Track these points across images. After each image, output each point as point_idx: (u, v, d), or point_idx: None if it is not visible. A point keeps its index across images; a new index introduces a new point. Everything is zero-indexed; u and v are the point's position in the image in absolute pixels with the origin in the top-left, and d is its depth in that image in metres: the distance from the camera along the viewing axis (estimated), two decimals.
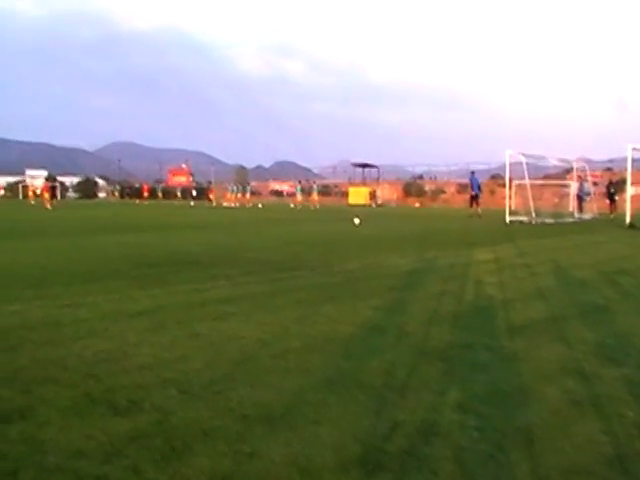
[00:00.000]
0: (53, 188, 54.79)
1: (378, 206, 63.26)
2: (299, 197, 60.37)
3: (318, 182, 72.11)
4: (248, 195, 69.24)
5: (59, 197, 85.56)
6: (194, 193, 78.85)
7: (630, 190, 30.02)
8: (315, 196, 60.00)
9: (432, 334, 6.61)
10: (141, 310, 7.66)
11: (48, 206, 50.41)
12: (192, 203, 67.20)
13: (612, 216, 35.11)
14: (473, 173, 38.94)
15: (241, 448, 3.64)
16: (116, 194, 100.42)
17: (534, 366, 5.43)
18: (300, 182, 65.96)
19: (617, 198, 37.51)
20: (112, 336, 6.34)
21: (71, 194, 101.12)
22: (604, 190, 39.41)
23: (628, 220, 27.55)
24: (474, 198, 37.57)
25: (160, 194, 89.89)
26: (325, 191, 74.42)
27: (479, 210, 36.56)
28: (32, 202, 62.08)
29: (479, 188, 37.92)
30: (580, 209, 36.42)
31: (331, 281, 10.38)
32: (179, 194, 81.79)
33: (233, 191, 70.12)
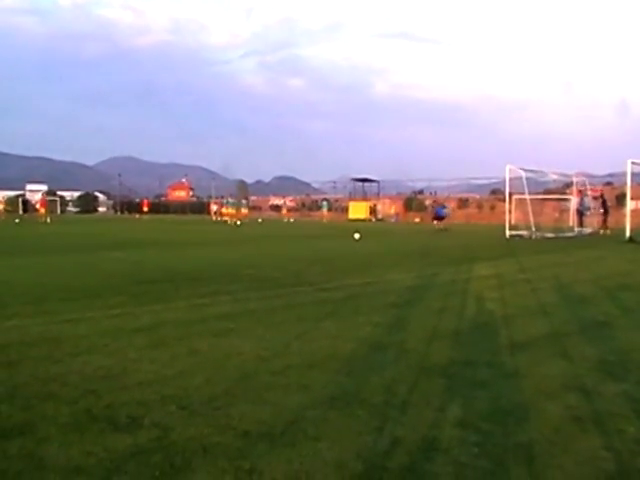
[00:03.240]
0: (25, 202, 54.87)
1: (378, 221, 63.33)
2: (325, 212, 63.04)
3: (319, 197, 72.93)
4: (246, 210, 69.27)
5: (59, 212, 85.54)
6: (214, 208, 74.18)
7: (630, 204, 30.07)
8: (325, 212, 62.43)
9: (433, 351, 6.60)
10: (141, 326, 7.66)
11: (48, 220, 50.65)
12: (214, 218, 66.56)
13: (602, 232, 34.88)
14: (435, 203, 46.54)
15: (241, 465, 3.63)
16: (117, 209, 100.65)
17: (535, 382, 5.42)
18: (326, 200, 69.08)
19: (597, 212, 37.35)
20: (112, 352, 6.34)
21: (71, 208, 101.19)
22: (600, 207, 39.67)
23: (628, 234, 27.58)
24: (440, 218, 41.48)
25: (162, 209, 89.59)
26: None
27: (442, 226, 39.67)
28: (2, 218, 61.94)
29: (445, 213, 43.13)
30: (580, 224, 36.40)
31: (332, 297, 10.37)
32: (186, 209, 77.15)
33: (227, 203, 70.27)
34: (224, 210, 67.39)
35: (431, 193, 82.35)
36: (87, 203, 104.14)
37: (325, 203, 67.85)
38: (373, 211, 67.63)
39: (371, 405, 4.73)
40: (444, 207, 44.86)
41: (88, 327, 7.57)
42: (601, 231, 34.95)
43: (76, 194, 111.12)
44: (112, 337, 7.03)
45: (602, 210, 36.85)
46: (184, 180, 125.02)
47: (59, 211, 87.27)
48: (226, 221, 56.63)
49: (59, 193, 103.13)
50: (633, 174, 29.39)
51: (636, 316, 9.00)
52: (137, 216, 77.78)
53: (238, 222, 46.22)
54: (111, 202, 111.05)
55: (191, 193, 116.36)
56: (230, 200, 59.03)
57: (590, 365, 6.07)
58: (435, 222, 41.38)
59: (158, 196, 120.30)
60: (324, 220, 58.73)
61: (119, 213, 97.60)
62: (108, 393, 4.94)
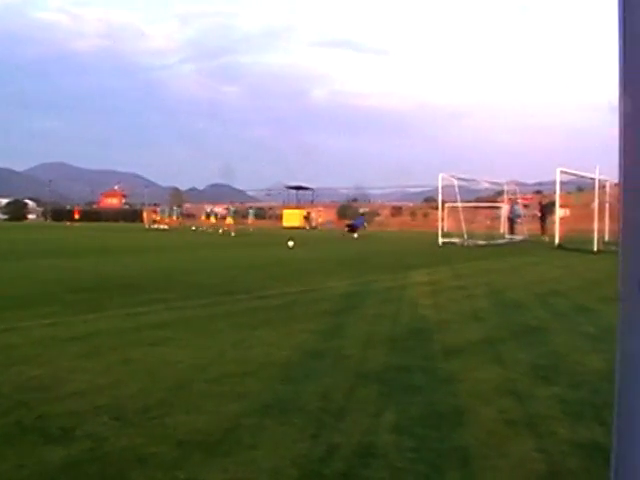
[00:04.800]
0: None
1: (312, 228, 63.49)
2: (251, 220, 62.71)
3: (253, 205, 72.75)
4: (180, 218, 68.42)
5: None
6: (157, 217, 71.52)
7: (559, 212, 30.75)
8: (250, 220, 61.76)
9: (368, 357, 6.64)
10: (75, 335, 7.52)
11: None
12: (147, 226, 65.58)
13: (544, 238, 35.58)
14: (362, 215, 48.77)
15: (177, 475, 3.59)
16: (47, 216, 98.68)
17: (469, 387, 5.49)
18: (252, 207, 68.77)
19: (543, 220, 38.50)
20: (45, 362, 6.21)
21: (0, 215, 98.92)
22: (536, 212, 40.85)
23: (557, 241, 28.20)
24: (352, 227, 42.88)
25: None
26: (260, 214, 74.72)
27: (355, 235, 40.79)
28: None
29: (362, 224, 45.59)
30: (511, 231, 37.08)
31: (268, 305, 10.35)
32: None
33: (164, 213, 69.46)
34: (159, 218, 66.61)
35: (365, 201, 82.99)
36: (16, 210, 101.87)
37: (251, 211, 67.73)
38: (307, 219, 67.82)
39: (307, 412, 4.73)
40: (363, 221, 47.47)
41: (20, 337, 7.41)
42: (543, 237, 35.62)
43: (5, 201, 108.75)
44: (45, 347, 6.89)
45: (540, 216, 37.89)
46: (117, 187, 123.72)
47: None
48: (164, 229, 56.33)
49: None
50: (562, 183, 30.10)
51: (567, 320, 9.18)
52: (68, 224, 76.42)
53: (232, 233, 45.06)
54: (41, 209, 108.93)
55: (124, 200, 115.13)
56: (235, 209, 58.74)
57: (523, 369, 6.17)
58: (346, 228, 43.06)
59: (90, 203, 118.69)
60: (251, 228, 58.84)
61: (49, 220, 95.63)
62: (40, 404, 4.84)
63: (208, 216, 65.32)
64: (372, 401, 5.05)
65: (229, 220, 50.07)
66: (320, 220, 70.19)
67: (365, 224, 46.63)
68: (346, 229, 42.94)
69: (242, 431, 4.30)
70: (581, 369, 6.21)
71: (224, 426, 4.40)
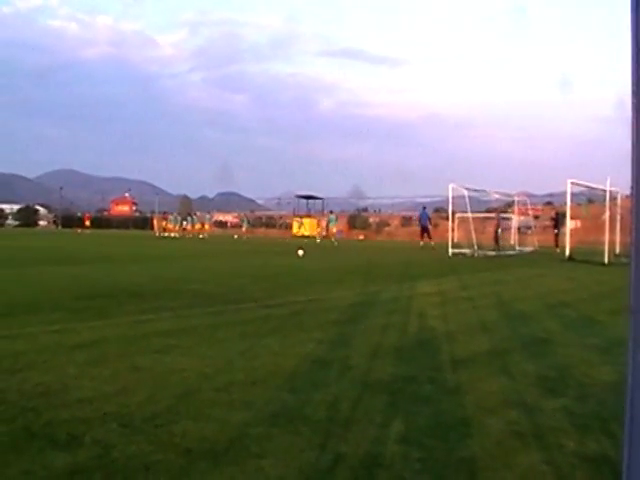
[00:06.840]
0: None
1: (324, 238, 63.46)
2: (244, 229, 62.81)
3: (262, 214, 72.86)
4: (189, 226, 68.43)
5: None
6: (185, 223, 71.14)
7: (570, 224, 30.70)
8: (244, 229, 63.56)
9: (376, 367, 6.62)
10: (81, 342, 7.52)
11: None
12: (158, 234, 65.78)
13: (558, 250, 35.41)
14: (424, 208, 41.65)
15: None
16: (58, 223, 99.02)
17: (477, 398, 5.47)
18: (247, 217, 68.81)
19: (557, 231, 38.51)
20: (51, 369, 6.21)
21: (10, 222, 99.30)
22: (546, 223, 40.87)
23: (567, 253, 28.12)
24: (424, 230, 39.56)
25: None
26: (270, 223, 74.83)
27: (432, 242, 38.16)
28: None
29: (428, 221, 40.46)
30: (497, 241, 36.52)
31: (275, 314, 10.33)
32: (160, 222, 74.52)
33: (176, 221, 69.60)
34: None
35: (375, 211, 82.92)
36: (27, 216, 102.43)
37: (245, 220, 68.01)
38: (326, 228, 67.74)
39: (314, 422, 4.72)
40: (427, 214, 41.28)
41: (27, 343, 7.41)
42: (557, 250, 35.54)
43: (16, 207, 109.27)
44: (52, 353, 6.89)
45: (555, 229, 37.93)
46: (127, 194, 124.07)
47: None
48: (174, 237, 56.67)
49: None
50: (572, 194, 30.06)
51: (575, 332, 9.14)
52: (79, 230, 76.67)
53: (335, 242, 44.15)
54: (52, 216, 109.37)
55: (134, 208, 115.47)
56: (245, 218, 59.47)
57: (530, 381, 6.15)
58: (422, 239, 39.33)
59: (100, 210, 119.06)
60: (244, 237, 59.24)
61: (60, 227, 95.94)
62: (47, 410, 4.83)
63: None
64: (379, 411, 5.03)
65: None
66: (318, 230, 70.12)
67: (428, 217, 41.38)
68: (423, 239, 39.07)
69: (249, 440, 4.29)
70: (589, 381, 6.18)
71: (231, 434, 4.39)
